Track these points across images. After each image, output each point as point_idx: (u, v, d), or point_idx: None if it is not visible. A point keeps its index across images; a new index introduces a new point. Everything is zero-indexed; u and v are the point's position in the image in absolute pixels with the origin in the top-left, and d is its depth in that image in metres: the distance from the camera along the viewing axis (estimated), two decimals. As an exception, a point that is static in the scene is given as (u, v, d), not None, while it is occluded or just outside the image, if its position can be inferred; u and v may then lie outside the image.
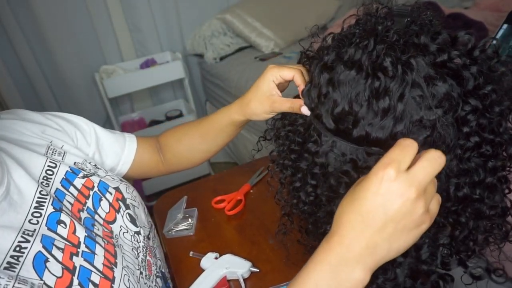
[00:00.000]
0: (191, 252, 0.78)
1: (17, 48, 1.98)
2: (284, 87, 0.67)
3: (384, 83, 0.41)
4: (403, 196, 0.36)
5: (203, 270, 0.73)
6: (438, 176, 0.44)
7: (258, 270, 0.72)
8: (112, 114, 2.20)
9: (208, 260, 0.75)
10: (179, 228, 0.86)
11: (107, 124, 2.40)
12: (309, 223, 0.56)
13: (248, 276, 0.72)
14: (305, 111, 0.54)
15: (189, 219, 0.88)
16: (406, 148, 0.37)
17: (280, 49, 2.17)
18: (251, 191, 0.95)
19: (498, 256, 0.53)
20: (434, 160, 0.37)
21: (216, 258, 0.75)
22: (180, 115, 2.44)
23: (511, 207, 0.49)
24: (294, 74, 0.60)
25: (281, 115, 0.64)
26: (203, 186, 0.83)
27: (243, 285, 0.70)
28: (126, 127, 2.35)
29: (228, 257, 0.74)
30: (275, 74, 0.62)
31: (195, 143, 0.79)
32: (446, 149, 0.42)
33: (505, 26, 1.07)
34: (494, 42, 0.45)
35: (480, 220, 0.48)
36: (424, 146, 0.42)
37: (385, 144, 0.43)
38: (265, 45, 2.17)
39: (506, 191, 0.49)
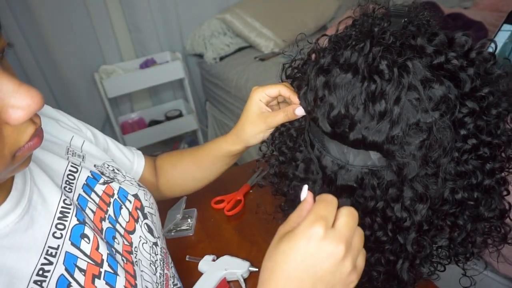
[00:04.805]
0: (187, 256, 0.78)
1: (16, 48, 1.98)
2: (272, 106, 0.67)
3: (380, 86, 0.40)
4: (333, 255, 0.37)
5: (201, 273, 0.73)
6: (436, 179, 0.44)
7: (257, 269, 0.72)
8: (112, 114, 2.20)
9: (206, 263, 0.74)
10: (178, 229, 0.86)
11: (106, 124, 2.41)
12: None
13: (248, 276, 0.72)
14: (299, 112, 0.55)
15: (189, 220, 0.88)
16: (330, 204, 0.39)
17: (280, 49, 2.16)
18: (251, 191, 0.95)
19: (497, 258, 0.53)
20: (353, 215, 0.39)
21: (214, 260, 0.75)
22: (180, 115, 2.44)
23: (509, 209, 0.49)
24: (279, 88, 0.60)
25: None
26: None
27: (243, 285, 0.70)
28: (125, 127, 2.35)
29: (226, 259, 0.74)
30: (261, 93, 0.62)
31: (189, 170, 0.78)
32: (443, 152, 0.42)
33: (507, 26, 1.07)
34: (492, 43, 0.45)
35: (478, 223, 0.48)
36: (421, 149, 0.42)
37: (381, 148, 0.43)
38: (264, 45, 2.17)
39: (505, 193, 0.49)
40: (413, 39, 0.42)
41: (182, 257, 0.78)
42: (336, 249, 0.37)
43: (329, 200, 0.39)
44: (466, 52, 0.43)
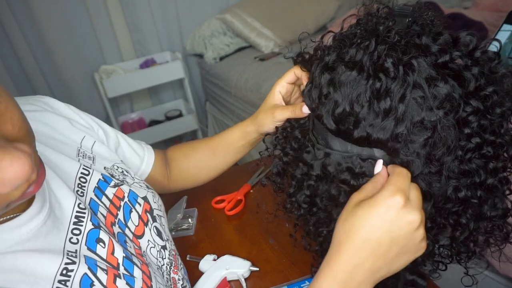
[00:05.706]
0: (188, 256, 0.78)
1: (16, 48, 1.98)
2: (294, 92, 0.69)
3: (385, 84, 0.40)
4: (411, 224, 0.40)
5: (202, 273, 0.73)
6: (439, 177, 0.44)
7: (258, 269, 0.72)
8: (112, 114, 2.20)
9: (207, 262, 0.74)
10: (179, 228, 0.86)
11: (106, 124, 2.40)
12: (310, 225, 0.56)
13: (249, 275, 0.72)
14: (307, 110, 0.55)
15: (189, 219, 0.88)
16: (407, 178, 0.42)
17: (280, 49, 2.17)
18: (251, 191, 0.95)
19: (498, 258, 0.53)
20: (419, 189, 0.42)
21: (214, 259, 0.75)
22: (180, 115, 2.44)
23: (511, 208, 0.49)
24: (294, 70, 0.62)
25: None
26: (203, 186, 0.83)
27: (244, 284, 0.70)
28: (125, 127, 2.35)
29: (227, 258, 0.74)
30: (280, 83, 0.65)
31: (203, 158, 0.78)
32: (447, 150, 0.42)
33: (507, 26, 1.07)
34: (496, 43, 0.45)
35: (480, 221, 0.48)
36: (425, 147, 0.42)
37: (386, 145, 0.43)
38: (264, 45, 2.17)
39: (507, 192, 0.49)
40: (418, 38, 0.42)
41: (183, 256, 0.78)
42: (415, 218, 0.40)
43: (405, 174, 0.42)
44: (471, 51, 0.43)
